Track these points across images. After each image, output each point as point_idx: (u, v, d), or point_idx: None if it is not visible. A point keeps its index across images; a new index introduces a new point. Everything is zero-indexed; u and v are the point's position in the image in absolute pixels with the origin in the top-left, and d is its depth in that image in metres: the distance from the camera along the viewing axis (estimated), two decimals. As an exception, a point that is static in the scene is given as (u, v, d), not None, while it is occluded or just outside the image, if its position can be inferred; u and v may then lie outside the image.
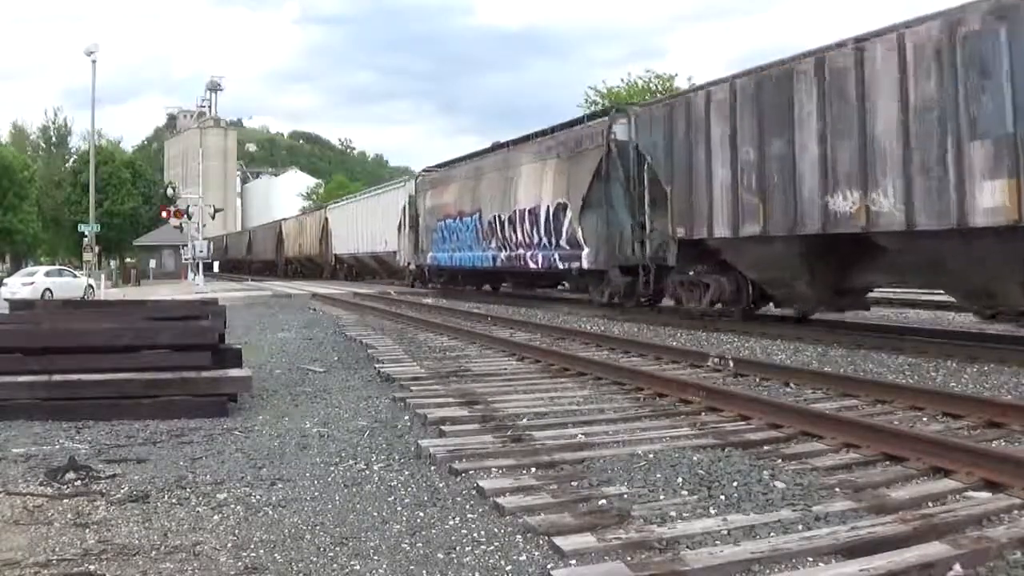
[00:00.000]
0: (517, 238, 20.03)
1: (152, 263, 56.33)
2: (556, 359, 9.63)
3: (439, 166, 28.60)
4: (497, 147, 23.24)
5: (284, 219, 61.15)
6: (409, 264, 29.43)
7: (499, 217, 20.95)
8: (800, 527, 3.87)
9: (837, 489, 4.45)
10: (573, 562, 3.55)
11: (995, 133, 8.49)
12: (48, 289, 29.79)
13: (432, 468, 5.14)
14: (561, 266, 18.15)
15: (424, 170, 29.36)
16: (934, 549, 3.49)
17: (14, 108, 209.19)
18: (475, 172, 23.42)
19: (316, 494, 4.73)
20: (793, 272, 11.80)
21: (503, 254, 20.95)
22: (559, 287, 22.72)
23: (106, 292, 31.43)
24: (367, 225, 35.86)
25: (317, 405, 7.61)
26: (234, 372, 7.69)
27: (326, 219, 44.45)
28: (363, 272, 39.63)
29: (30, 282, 30.91)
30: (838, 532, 3.75)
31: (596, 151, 16.41)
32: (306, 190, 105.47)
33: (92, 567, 3.64)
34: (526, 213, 19.52)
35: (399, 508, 4.43)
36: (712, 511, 4.15)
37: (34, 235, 59.82)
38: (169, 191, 48.20)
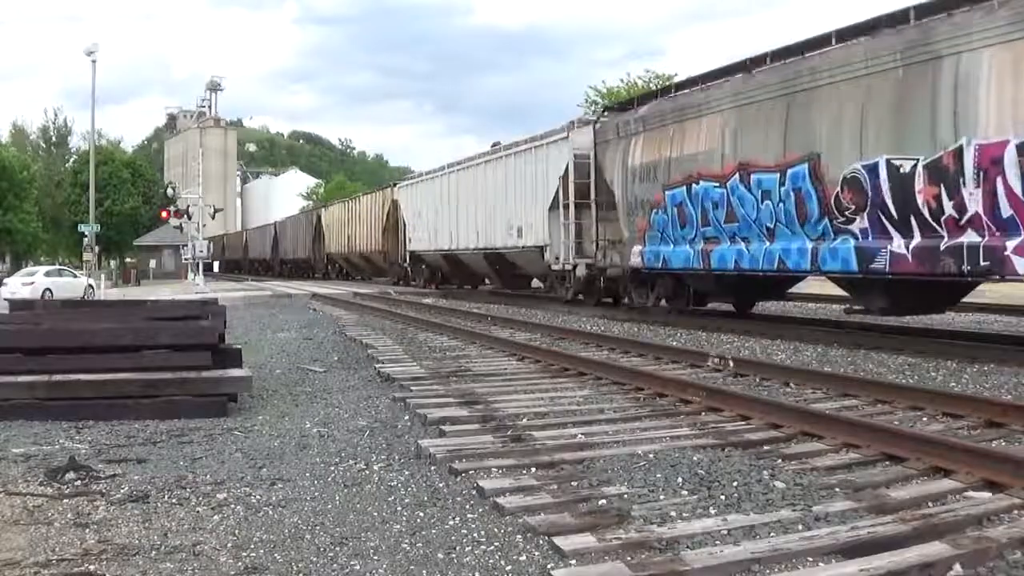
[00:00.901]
0: (966, 208, 9.04)
1: (152, 263, 56.34)
2: (556, 359, 9.63)
3: (621, 105, 17.48)
4: (858, 30, 11.08)
5: (324, 206, 50.26)
6: (574, 267, 18.12)
7: (890, 167, 10.00)
8: (800, 527, 3.87)
9: (837, 489, 4.46)
10: (573, 562, 3.55)
11: None
12: (48, 289, 29.79)
13: (432, 468, 5.14)
14: None
15: (609, 107, 18.21)
16: (934, 549, 3.49)
17: (14, 108, 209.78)
18: (784, 84, 12.01)
19: (316, 494, 4.73)
20: None
21: (906, 243, 9.82)
22: None
23: (106, 292, 31.45)
24: (472, 207, 23.88)
25: (317, 405, 7.62)
26: (234, 372, 7.70)
27: (394, 203, 32.72)
28: (456, 277, 28.18)
29: (30, 282, 30.91)
30: (838, 532, 3.75)
31: None
32: (306, 190, 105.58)
33: (92, 567, 3.64)
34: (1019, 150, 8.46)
35: (399, 508, 4.43)
36: (712, 511, 4.15)
37: (34, 235, 59.77)
38: (169, 191, 48.19)
